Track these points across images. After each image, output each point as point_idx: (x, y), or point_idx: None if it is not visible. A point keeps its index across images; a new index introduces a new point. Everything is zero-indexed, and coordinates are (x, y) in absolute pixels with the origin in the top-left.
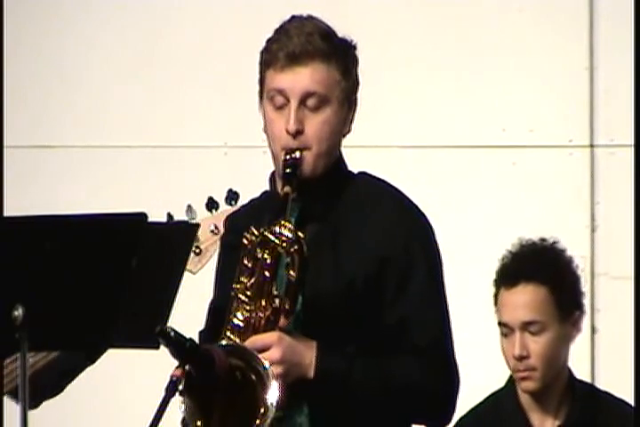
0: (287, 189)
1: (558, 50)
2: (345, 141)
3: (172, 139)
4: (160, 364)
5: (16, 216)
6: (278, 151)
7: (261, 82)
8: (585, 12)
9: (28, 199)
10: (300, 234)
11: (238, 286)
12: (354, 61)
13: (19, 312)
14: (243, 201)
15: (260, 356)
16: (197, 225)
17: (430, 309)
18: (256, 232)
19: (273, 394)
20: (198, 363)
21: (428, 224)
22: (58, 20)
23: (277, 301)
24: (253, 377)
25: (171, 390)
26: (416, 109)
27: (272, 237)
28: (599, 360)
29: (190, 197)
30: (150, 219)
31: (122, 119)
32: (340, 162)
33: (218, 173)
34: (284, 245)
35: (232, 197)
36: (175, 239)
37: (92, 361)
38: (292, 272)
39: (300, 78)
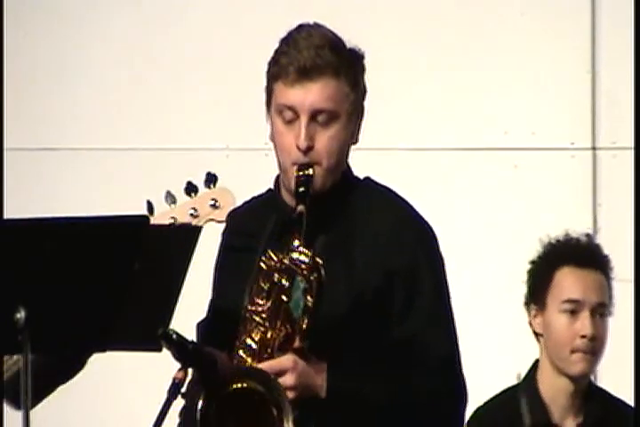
0: (301, 208)
1: (560, 53)
2: None
3: (174, 141)
4: (162, 366)
5: (17, 218)
6: (288, 165)
7: (269, 93)
8: (587, 15)
9: (29, 202)
10: (318, 261)
11: (253, 307)
12: (362, 72)
13: (21, 315)
14: (238, 199)
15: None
16: (199, 228)
17: (439, 324)
18: (275, 257)
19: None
20: (201, 365)
21: (433, 233)
22: (59, 21)
23: (293, 324)
24: (273, 408)
25: (173, 393)
26: (419, 112)
27: (292, 265)
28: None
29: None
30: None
31: (124, 121)
32: (346, 171)
33: (219, 176)
34: (304, 273)
35: (210, 179)
36: (177, 242)
37: (68, 378)
38: (309, 298)
39: (311, 95)
